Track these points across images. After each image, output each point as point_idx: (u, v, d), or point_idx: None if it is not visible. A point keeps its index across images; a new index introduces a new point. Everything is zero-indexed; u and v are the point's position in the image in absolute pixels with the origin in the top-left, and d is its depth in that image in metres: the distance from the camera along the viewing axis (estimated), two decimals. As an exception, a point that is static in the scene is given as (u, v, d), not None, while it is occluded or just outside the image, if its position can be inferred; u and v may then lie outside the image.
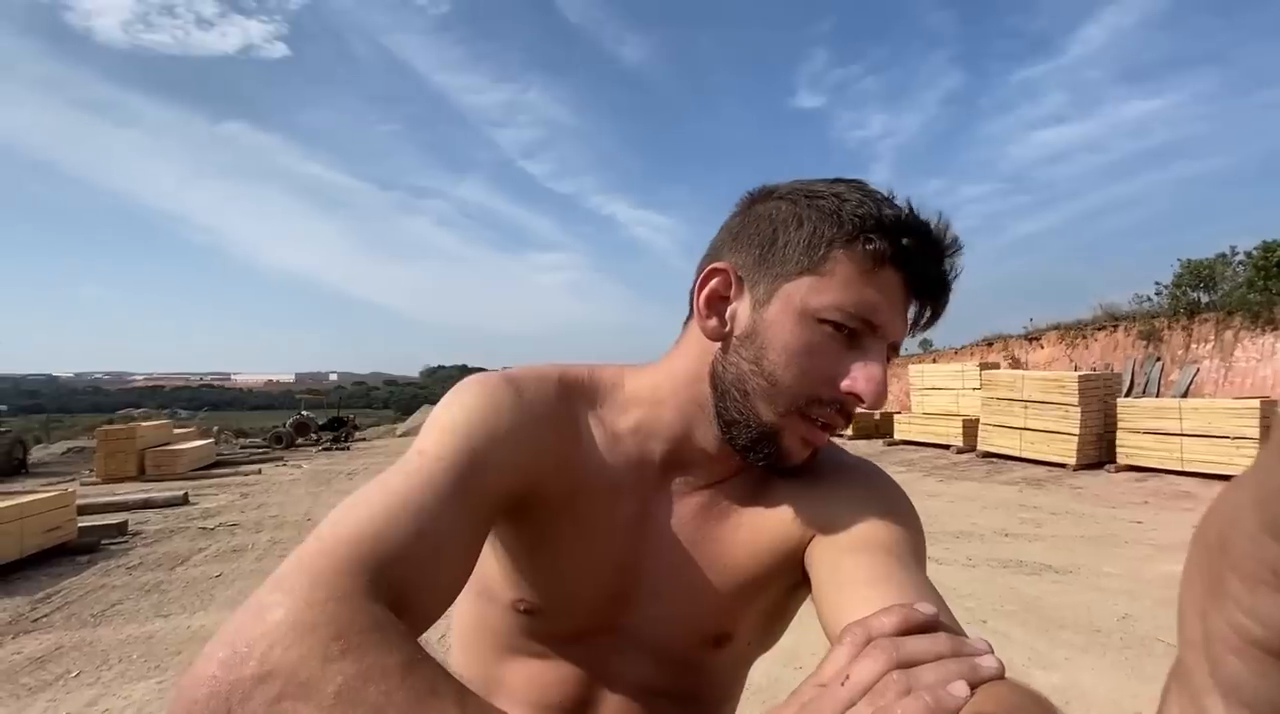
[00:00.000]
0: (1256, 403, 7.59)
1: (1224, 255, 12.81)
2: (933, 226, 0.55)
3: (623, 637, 0.63)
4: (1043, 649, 3.24)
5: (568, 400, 0.61)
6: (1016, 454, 9.59)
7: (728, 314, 0.58)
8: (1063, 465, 8.93)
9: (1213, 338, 11.39)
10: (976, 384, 11.04)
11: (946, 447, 11.12)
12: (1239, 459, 7.36)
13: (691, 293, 0.60)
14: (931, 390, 12.36)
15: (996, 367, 12.37)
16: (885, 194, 0.56)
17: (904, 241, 0.53)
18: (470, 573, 0.51)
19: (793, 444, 0.57)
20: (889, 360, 0.57)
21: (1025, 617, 3.66)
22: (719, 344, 0.59)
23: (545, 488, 0.58)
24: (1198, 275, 12.73)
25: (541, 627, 0.63)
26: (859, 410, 0.57)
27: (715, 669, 0.66)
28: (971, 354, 15.63)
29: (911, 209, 0.55)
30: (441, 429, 0.53)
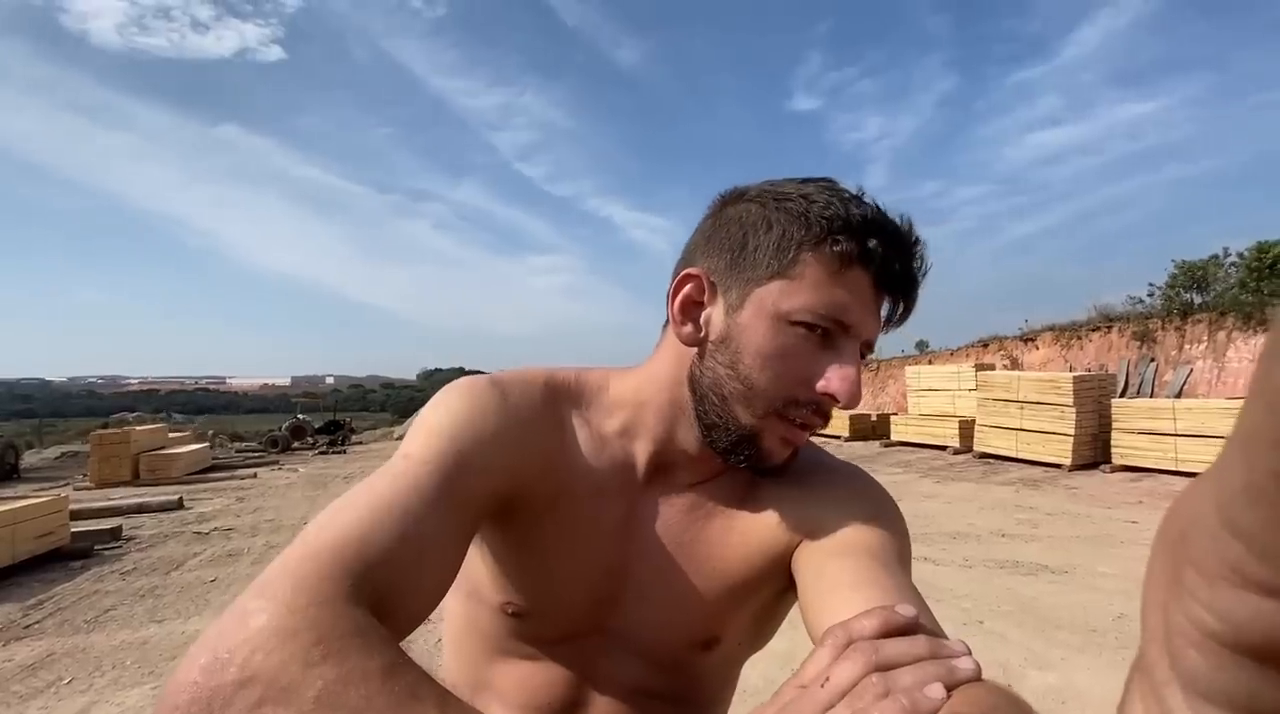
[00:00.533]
0: (1250, 403, 7.62)
1: (1217, 257, 12.90)
2: (899, 225, 0.56)
3: (611, 639, 0.64)
4: (1039, 649, 3.25)
5: (554, 403, 0.61)
6: (1012, 455, 9.62)
7: (702, 319, 0.58)
8: (1058, 466, 8.95)
9: (1206, 339, 11.44)
10: (972, 385, 11.06)
11: (943, 448, 11.14)
12: (1233, 459, 7.39)
13: (667, 298, 0.61)
14: (928, 392, 12.39)
15: (992, 368, 12.41)
16: (854, 193, 0.56)
17: (871, 242, 0.54)
18: (455, 575, 0.51)
19: (773, 445, 0.57)
20: (863, 358, 0.58)
21: (1022, 617, 3.67)
22: (695, 349, 0.59)
23: (531, 490, 0.58)
24: (1191, 276, 12.80)
25: (529, 629, 0.64)
26: (844, 411, 0.57)
27: (705, 671, 0.66)
28: (967, 355, 15.67)
29: (878, 208, 0.56)
30: (428, 432, 0.54)
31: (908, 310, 0.58)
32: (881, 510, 0.60)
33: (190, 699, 0.33)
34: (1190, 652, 0.17)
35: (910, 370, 13.27)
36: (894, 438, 12.39)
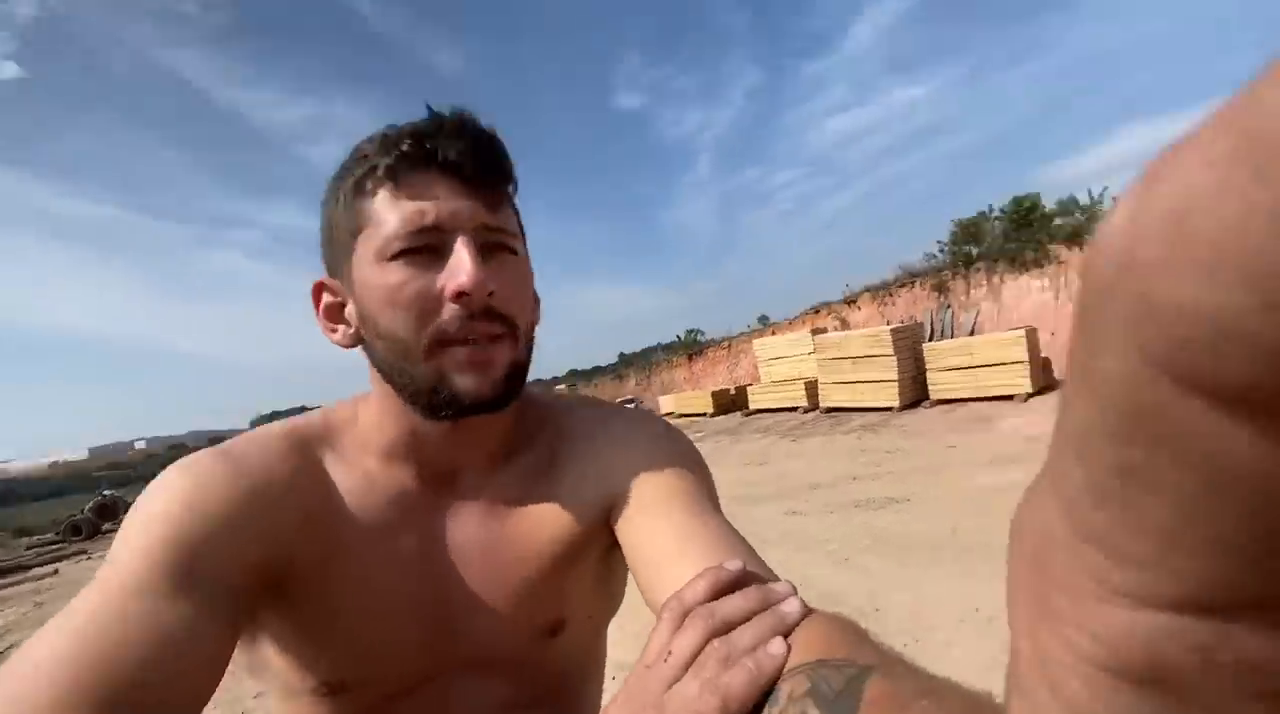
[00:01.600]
0: (1023, 332, 9.15)
1: (984, 213, 15.25)
2: (423, 117, 0.53)
3: (455, 667, 0.60)
4: (895, 572, 3.67)
5: (302, 456, 0.58)
6: (852, 405, 10.71)
7: (346, 315, 0.58)
8: (889, 409, 10.12)
9: (985, 284, 13.50)
10: (810, 349, 12.12)
11: (794, 409, 12.14)
12: (1019, 378, 8.88)
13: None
14: (775, 360, 13.38)
15: (825, 331, 13.68)
16: (392, 124, 0.55)
17: (402, 146, 0.52)
18: (218, 676, 0.44)
19: (463, 381, 0.53)
20: (507, 248, 0.55)
21: (880, 548, 4.12)
22: (361, 346, 0.58)
23: (298, 557, 0.54)
24: (967, 232, 15.03)
25: (360, 699, 0.58)
26: (506, 312, 0.54)
27: (562, 655, 0.65)
28: (804, 322, 17.09)
29: (409, 122, 0.54)
30: (146, 520, 0.48)
31: (491, 159, 0.54)
32: (677, 448, 0.61)
33: None
34: (1072, 682, 0.15)
35: (758, 343, 14.24)
36: (752, 407, 13.25)
